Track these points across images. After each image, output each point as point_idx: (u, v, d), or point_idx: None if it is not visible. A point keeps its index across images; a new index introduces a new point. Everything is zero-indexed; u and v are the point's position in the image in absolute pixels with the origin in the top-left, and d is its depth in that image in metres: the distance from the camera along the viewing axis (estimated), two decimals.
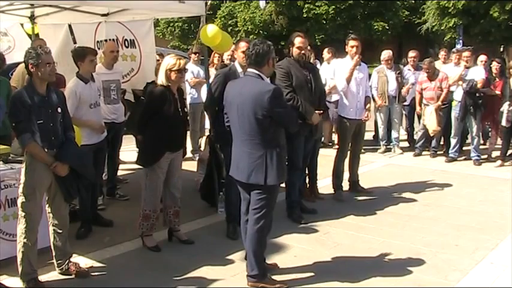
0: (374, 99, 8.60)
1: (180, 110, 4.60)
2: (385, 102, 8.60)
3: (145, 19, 6.40)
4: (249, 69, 3.82)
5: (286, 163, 4.01)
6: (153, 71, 5.98)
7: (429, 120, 8.15)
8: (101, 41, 6.62)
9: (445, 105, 8.25)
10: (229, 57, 8.85)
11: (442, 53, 9.72)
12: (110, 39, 6.39)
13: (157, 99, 4.47)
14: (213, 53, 7.98)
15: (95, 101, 4.97)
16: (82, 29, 6.83)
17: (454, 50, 9.29)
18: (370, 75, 7.65)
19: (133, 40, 6.53)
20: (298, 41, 5.32)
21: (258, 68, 3.73)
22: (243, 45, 4.95)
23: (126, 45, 6.50)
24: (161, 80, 4.53)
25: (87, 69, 4.90)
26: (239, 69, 4.92)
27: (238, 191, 5.02)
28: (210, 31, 5.62)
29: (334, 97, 7.88)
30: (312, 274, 4.11)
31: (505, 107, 7.56)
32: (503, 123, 7.59)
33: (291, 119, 3.79)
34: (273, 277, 3.95)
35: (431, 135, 8.37)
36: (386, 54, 8.79)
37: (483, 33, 22.36)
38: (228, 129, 4.80)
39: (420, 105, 8.45)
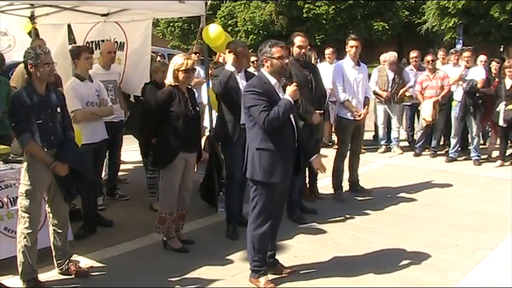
0: (378, 94, 8.60)
1: (191, 109, 4.56)
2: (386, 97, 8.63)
3: (144, 19, 6.38)
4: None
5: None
6: (148, 72, 5.97)
7: (425, 109, 8.15)
8: (92, 42, 6.58)
9: (445, 106, 8.24)
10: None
11: (440, 53, 9.72)
12: (105, 40, 6.36)
13: (165, 100, 4.46)
14: (218, 54, 7.94)
15: (93, 100, 4.98)
16: (76, 29, 6.81)
17: (452, 50, 9.28)
18: (370, 75, 7.66)
19: (123, 43, 6.43)
20: (298, 40, 5.33)
21: (261, 67, 3.82)
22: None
23: (116, 47, 6.43)
24: (169, 80, 4.54)
25: (83, 67, 4.93)
26: (233, 68, 4.93)
27: (238, 191, 5.04)
28: (213, 31, 5.61)
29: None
30: (312, 274, 4.11)
31: (501, 107, 7.56)
32: (501, 123, 7.59)
33: (257, 118, 3.63)
34: (273, 276, 3.95)
35: (424, 125, 8.36)
36: (392, 57, 8.71)
37: (483, 33, 22.37)
38: (228, 128, 4.82)
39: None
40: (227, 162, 5.08)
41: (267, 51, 3.74)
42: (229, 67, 4.88)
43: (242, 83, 4.85)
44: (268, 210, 3.82)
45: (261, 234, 3.82)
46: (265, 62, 3.76)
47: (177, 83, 4.51)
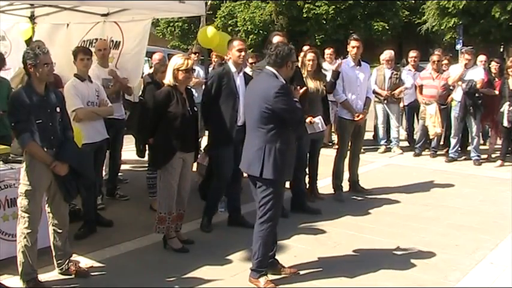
0: (377, 93, 8.59)
1: (189, 109, 4.56)
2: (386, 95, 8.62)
3: (144, 19, 6.37)
4: (267, 67, 3.90)
5: None
6: (140, 70, 5.98)
7: (432, 122, 8.08)
8: (87, 40, 6.55)
9: (445, 106, 8.24)
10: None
11: (437, 53, 9.68)
12: (100, 38, 6.35)
13: (163, 100, 4.46)
14: (211, 54, 7.99)
15: (93, 100, 4.98)
16: (75, 28, 6.81)
17: (463, 50, 9.23)
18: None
19: (119, 42, 6.39)
20: (276, 40, 5.30)
21: (276, 68, 3.83)
22: (237, 43, 4.98)
23: (112, 46, 6.37)
24: (168, 79, 4.53)
25: (80, 68, 4.97)
26: (233, 69, 4.95)
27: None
28: (209, 33, 5.64)
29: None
30: (312, 274, 4.11)
31: (505, 108, 7.56)
32: (505, 123, 7.58)
33: (294, 118, 3.81)
34: (273, 277, 3.95)
35: (431, 137, 8.36)
36: (387, 54, 8.77)
37: (483, 33, 22.42)
38: (223, 130, 4.82)
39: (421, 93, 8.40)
40: (222, 162, 5.05)
41: (291, 55, 3.82)
42: (231, 66, 4.94)
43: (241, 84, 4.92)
44: (280, 210, 3.98)
45: (273, 235, 3.91)
46: (288, 66, 3.83)
47: (176, 83, 4.50)
